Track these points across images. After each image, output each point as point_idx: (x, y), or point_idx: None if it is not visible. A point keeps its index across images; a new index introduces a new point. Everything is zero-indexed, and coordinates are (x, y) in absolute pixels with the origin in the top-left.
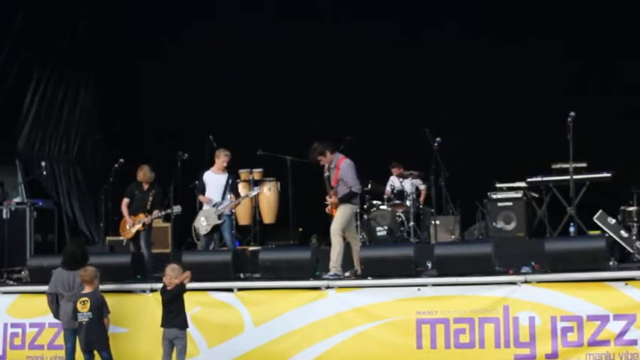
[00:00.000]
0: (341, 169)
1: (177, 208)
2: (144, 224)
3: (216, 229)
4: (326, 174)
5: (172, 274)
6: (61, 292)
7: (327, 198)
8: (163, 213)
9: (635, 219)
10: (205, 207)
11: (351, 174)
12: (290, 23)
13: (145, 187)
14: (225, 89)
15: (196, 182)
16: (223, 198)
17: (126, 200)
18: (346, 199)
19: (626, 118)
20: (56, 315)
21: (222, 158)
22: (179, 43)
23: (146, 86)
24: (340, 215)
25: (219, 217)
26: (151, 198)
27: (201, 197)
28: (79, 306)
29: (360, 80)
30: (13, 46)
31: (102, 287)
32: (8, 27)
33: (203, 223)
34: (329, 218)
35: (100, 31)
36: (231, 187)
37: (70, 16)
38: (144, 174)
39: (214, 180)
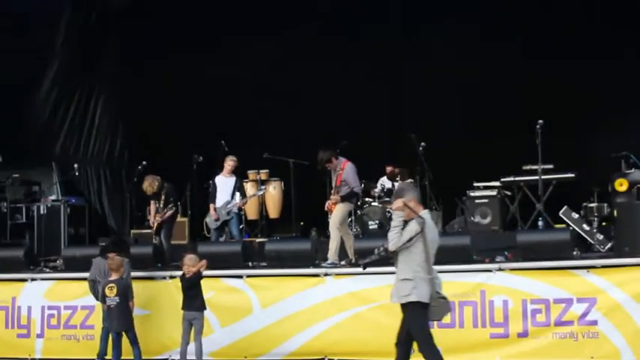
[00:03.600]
0: (345, 172)
1: (169, 208)
2: (161, 221)
3: (225, 224)
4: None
5: (190, 263)
6: (99, 279)
7: (331, 196)
8: (171, 212)
9: (596, 214)
10: (217, 204)
11: (353, 176)
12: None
13: (154, 192)
14: (238, 99)
15: (210, 182)
16: (232, 197)
17: (153, 202)
18: (347, 197)
19: (588, 124)
20: (97, 298)
21: (228, 163)
22: (203, 55)
23: (168, 96)
24: (339, 211)
25: (228, 214)
26: (163, 197)
27: (211, 207)
28: (107, 291)
29: (351, 88)
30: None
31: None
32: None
33: (213, 219)
34: (327, 213)
35: (127, 50)
36: (239, 189)
37: (101, 35)
38: (149, 185)
39: (224, 183)
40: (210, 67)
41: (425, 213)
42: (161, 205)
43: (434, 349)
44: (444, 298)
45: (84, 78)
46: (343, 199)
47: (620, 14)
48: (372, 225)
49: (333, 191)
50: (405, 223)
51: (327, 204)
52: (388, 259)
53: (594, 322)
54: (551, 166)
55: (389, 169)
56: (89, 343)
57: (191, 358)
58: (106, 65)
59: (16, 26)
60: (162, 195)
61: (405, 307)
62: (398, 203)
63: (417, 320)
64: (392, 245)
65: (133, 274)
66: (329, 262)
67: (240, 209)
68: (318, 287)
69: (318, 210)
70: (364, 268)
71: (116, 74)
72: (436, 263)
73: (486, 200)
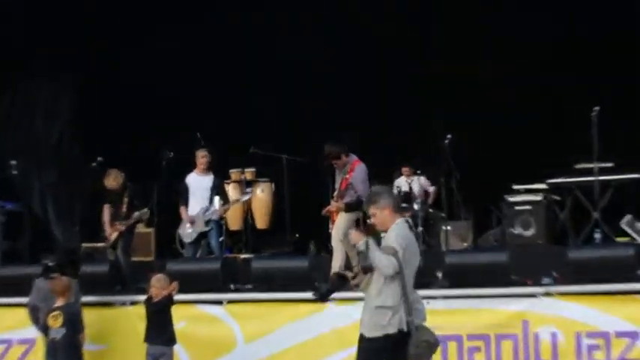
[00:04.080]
0: (354, 174)
1: (145, 214)
2: (120, 232)
3: (203, 236)
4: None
5: (159, 284)
6: (40, 305)
7: (332, 202)
8: (134, 220)
9: None
10: (191, 212)
11: (362, 180)
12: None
13: (117, 190)
14: (215, 81)
15: (180, 184)
16: (210, 202)
17: (107, 206)
18: (352, 207)
19: None
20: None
21: (199, 160)
22: (163, 31)
23: (128, 78)
24: (343, 221)
25: (207, 223)
26: (126, 200)
27: (182, 210)
28: (50, 321)
29: (361, 70)
30: None
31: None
32: None
33: (188, 230)
34: (328, 222)
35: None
36: (218, 189)
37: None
38: (107, 181)
39: (198, 183)
40: (185, 43)
41: (401, 222)
42: (124, 210)
43: None
44: (429, 333)
45: (26, 55)
46: (347, 207)
47: None
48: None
49: (335, 196)
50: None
51: (326, 209)
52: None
53: None
54: (610, 165)
55: (405, 169)
56: None
57: None
58: (53, 41)
59: None
60: (126, 196)
61: (370, 339)
62: (354, 236)
63: (373, 357)
64: (392, 269)
65: (85, 298)
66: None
67: (221, 217)
68: (318, 316)
69: (318, 218)
70: (323, 300)
71: (67, 51)
72: (467, 286)
73: (529, 207)
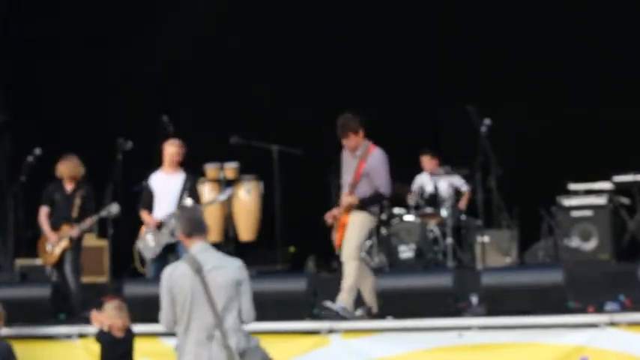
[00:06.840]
0: (370, 161)
1: (114, 208)
2: (71, 239)
3: (170, 250)
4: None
5: (120, 314)
6: None
7: (343, 197)
8: (97, 218)
9: None
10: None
11: (384, 169)
12: None
13: (69, 187)
14: (184, 50)
15: (142, 183)
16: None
17: (45, 209)
18: (371, 202)
19: None
20: None
21: (170, 150)
22: None
23: (71, 50)
24: (357, 229)
25: (173, 233)
26: (78, 201)
27: (144, 216)
28: None
29: (373, 37)
30: None
31: (10, 332)
32: None
33: (150, 243)
34: (330, 231)
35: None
36: (190, 192)
37: None
38: (67, 168)
39: (165, 183)
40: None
41: (196, 249)
42: (74, 214)
43: None
44: None
45: None
46: (364, 203)
47: None
48: (405, 252)
49: (347, 189)
50: None
51: (331, 214)
52: None
53: None
54: None
55: (427, 161)
56: None
57: None
58: None
59: None
60: (78, 197)
61: None
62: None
63: None
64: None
65: (20, 330)
66: (337, 306)
67: None
68: (318, 352)
69: (318, 227)
70: None
71: None
72: (509, 313)
73: (590, 212)
